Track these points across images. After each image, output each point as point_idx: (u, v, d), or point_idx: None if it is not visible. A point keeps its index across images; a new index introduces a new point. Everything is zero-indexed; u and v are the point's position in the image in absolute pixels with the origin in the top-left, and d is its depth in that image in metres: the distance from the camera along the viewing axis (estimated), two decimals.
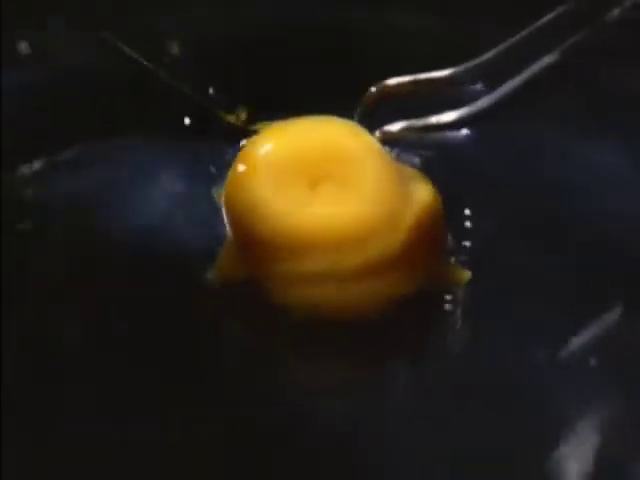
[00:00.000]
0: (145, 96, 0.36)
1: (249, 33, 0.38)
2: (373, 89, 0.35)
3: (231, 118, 0.36)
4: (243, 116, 0.36)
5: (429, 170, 0.33)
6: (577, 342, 0.30)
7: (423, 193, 0.31)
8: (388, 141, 0.34)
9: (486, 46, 0.36)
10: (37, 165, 0.34)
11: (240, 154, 0.31)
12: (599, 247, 0.32)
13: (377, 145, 0.32)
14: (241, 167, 0.31)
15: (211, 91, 0.36)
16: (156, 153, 0.35)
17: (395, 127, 0.35)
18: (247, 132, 0.35)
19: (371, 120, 0.35)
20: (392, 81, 0.35)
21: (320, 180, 0.30)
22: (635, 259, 0.32)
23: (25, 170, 0.34)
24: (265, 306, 0.30)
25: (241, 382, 0.29)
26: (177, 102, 0.36)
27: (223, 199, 0.32)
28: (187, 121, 0.36)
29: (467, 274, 0.31)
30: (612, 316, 0.30)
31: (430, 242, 0.31)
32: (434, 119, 0.35)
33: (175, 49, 0.38)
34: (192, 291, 0.31)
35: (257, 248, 0.30)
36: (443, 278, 0.31)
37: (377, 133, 0.35)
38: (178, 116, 0.35)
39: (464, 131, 0.35)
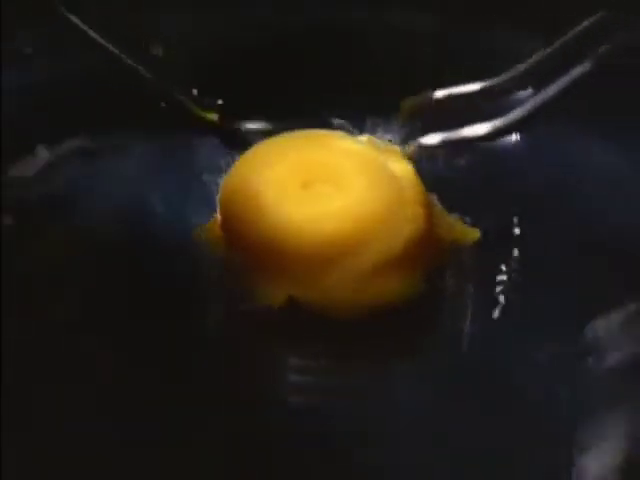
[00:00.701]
0: (145, 97, 0.36)
1: (249, 34, 0.38)
2: (409, 101, 0.35)
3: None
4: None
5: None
6: (577, 342, 0.30)
7: (404, 171, 0.32)
8: (423, 154, 0.34)
9: (485, 46, 0.36)
10: (37, 165, 0.34)
11: (235, 185, 0.31)
12: (599, 247, 0.32)
13: (360, 145, 0.32)
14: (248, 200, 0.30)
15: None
16: (156, 153, 0.35)
17: (430, 140, 0.35)
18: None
19: (408, 132, 0.35)
20: (428, 94, 0.35)
21: (316, 183, 0.30)
22: (635, 259, 0.32)
23: (25, 170, 0.34)
24: (268, 306, 0.30)
25: (243, 382, 0.29)
26: (177, 102, 0.36)
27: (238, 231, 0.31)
28: (186, 122, 0.36)
29: (476, 232, 0.32)
30: (612, 316, 0.30)
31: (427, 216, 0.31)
32: (468, 131, 0.35)
33: (176, 49, 0.38)
34: (194, 289, 0.31)
35: (295, 266, 0.30)
36: (452, 238, 0.32)
37: (412, 146, 0.35)
38: (178, 116, 0.36)
39: None
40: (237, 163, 0.32)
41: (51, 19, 0.36)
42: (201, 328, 0.31)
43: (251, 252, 0.30)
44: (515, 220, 0.33)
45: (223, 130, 0.36)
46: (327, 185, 0.30)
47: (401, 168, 0.32)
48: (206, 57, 0.37)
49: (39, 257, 0.32)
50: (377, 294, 0.30)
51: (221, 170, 0.34)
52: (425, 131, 0.35)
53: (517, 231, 0.32)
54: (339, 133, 0.33)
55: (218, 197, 0.32)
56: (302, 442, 0.28)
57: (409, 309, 0.30)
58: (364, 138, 0.34)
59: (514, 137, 0.35)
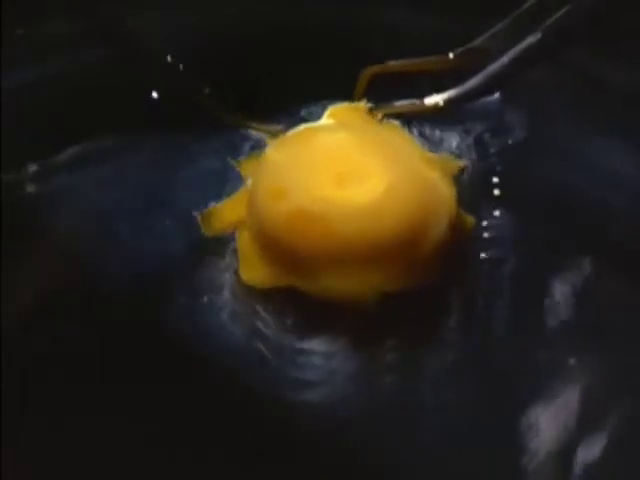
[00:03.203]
0: (145, 96, 0.36)
1: (249, 33, 0.38)
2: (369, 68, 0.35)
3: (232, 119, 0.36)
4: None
5: None
6: (577, 342, 0.30)
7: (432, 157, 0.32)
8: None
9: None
10: (37, 165, 0.34)
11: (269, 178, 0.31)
12: (599, 247, 0.32)
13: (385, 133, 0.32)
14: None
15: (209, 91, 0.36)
16: (156, 153, 0.35)
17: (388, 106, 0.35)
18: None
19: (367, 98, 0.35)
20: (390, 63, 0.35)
21: (347, 179, 0.30)
22: (635, 259, 0.32)
23: (25, 170, 0.34)
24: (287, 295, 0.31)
25: (259, 372, 0.30)
26: (178, 102, 0.36)
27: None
28: (188, 121, 0.36)
29: (472, 219, 0.32)
30: (613, 316, 0.31)
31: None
32: (426, 100, 0.35)
33: (178, 47, 0.37)
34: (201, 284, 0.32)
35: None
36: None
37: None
38: (179, 116, 0.35)
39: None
40: (263, 163, 0.32)
41: (51, 19, 0.36)
42: (209, 321, 0.31)
43: (294, 257, 0.30)
44: (515, 221, 0.33)
45: (228, 128, 0.36)
46: (360, 182, 0.30)
47: (419, 148, 0.32)
48: (203, 55, 0.37)
49: (39, 256, 0.32)
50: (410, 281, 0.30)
51: (225, 169, 0.34)
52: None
53: (516, 231, 0.33)
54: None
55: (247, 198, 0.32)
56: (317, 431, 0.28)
57: (408, 310, 0.31)
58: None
59: (514, 136, 0.35)
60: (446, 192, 0.30)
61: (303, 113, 0.35)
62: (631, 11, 0.35)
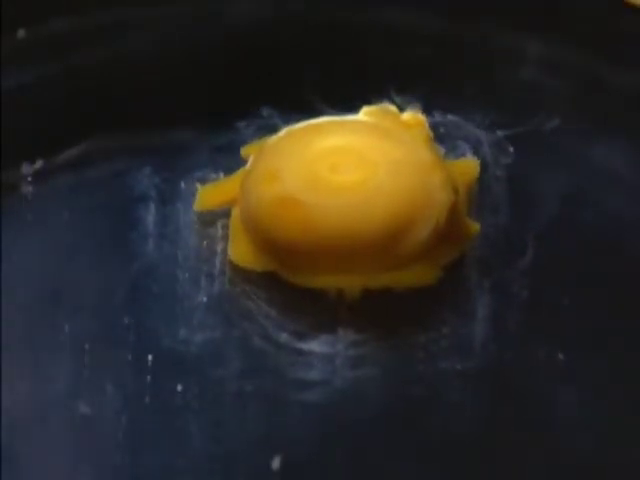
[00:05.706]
0: (145, 96, 0.36)
1: (249, 32, 0.38)
2: None
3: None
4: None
5: None
6: (578, 342, 0.30)
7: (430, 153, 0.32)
8: None
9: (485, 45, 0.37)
10: (37, 165, 0.34)
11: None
12: (599, 247, 0.32)
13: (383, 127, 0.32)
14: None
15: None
16: (156, 153, 0.35)
17: None
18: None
19: None
20: None
21: (342, 169, 0.30)
22: (635, 259, 0.32)
23: (25, 170, 0.34)
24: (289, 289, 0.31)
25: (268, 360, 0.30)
26: (179, 101, 0.36)
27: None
28: (188, 121, 0.36)
29: (476, 226, 0.32)
30: (613, 316, 0.31)
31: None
32: None
33: (179, 44, 0.38)
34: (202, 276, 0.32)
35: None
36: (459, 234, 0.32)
37: None
38: (179, 116, 0.36)
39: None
40: (264, 147, 0.32)
41: (51, 19, 0.36)
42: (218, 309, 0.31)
43: (286, 248, 0.30)
44: (515, 222, 0.33)
45: (227, 127, 0.36)
46: (354, 172, 0.30)
47: (427, 150, 0.32)
48: (205, 54, 0.37)
49: (39, 256, 0.32)
50: (403, 280, 0.30)
51: (225, 168, 0.34)
52: None
53: (517, 232, 0.32)
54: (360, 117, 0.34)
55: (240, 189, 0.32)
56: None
57: (409, 308, 0.31)
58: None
59: (513, 136, 0.35)
60: (442, 198, 0.30)
61: (303, 114, 0.35)
62: (631, 11, 0.35)
